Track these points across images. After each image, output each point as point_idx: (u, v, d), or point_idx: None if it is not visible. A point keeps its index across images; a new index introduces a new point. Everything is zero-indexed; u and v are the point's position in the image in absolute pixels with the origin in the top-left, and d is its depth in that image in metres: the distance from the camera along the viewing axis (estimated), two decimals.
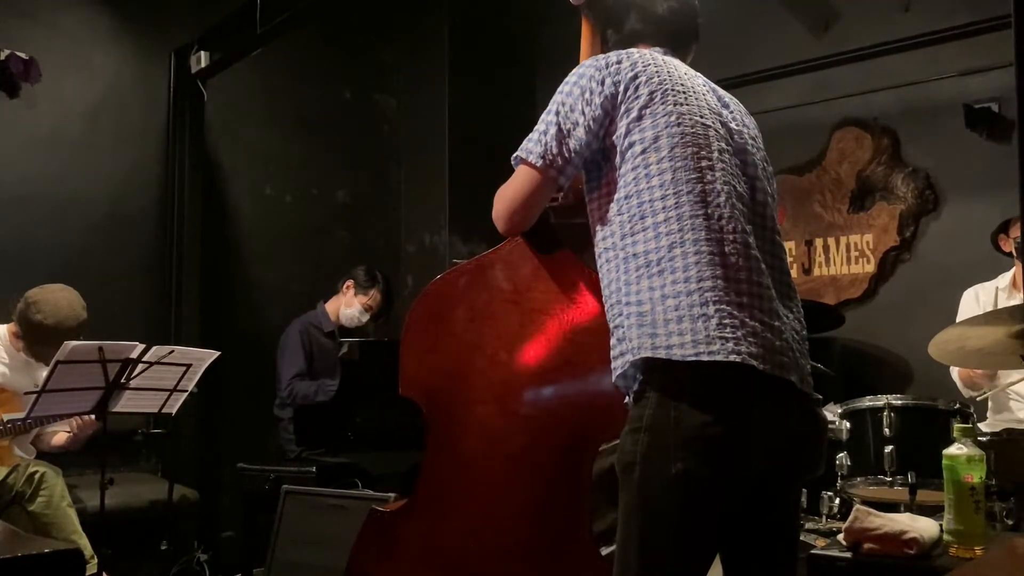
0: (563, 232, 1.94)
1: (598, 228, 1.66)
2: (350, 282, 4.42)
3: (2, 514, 3.09)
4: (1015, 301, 3.13)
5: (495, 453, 1.91)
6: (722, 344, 1.46)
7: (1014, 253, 3.24)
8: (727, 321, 1.48)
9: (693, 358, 1.46)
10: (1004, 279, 3.30)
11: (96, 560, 3.26)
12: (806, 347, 1.63)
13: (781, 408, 1.54)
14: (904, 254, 4.24)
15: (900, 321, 4.10)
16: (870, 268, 4.30)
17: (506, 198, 1.75)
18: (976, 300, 3.30)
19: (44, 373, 3.40)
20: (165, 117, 4.60)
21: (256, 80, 4.91)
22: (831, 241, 4.43)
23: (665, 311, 1.50)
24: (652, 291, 1.52)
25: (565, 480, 1.87)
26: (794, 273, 4.49)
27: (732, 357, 1.46)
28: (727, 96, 1.77)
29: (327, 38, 5.23)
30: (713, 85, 1.76)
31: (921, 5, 4.12)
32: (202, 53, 4.49)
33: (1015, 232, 3.23)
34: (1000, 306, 3.05)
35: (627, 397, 1.60)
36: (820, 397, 1.62)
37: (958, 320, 3.15)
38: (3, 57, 3.90)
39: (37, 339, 3.38)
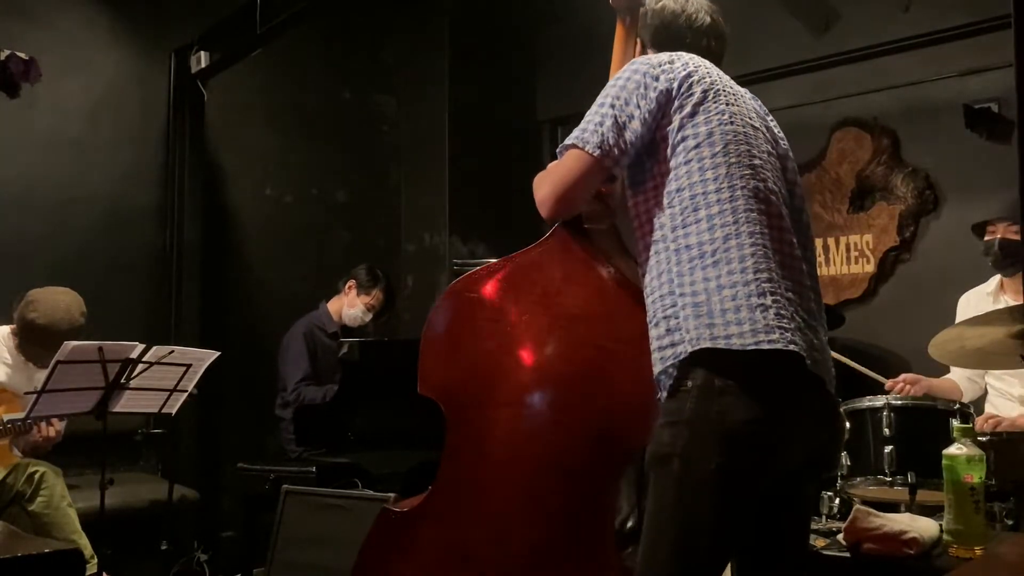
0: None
1: (646, 221, 1.67)
2: (352, 282, 4.42)
3: (2, 514, 3.09)
4: (1001, 306, 3.13)
5: (519, 456, 1.88)
6: (781, 333, 1.49)
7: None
8: (784, 312, 1.51)
9: (753, 346, 1.48)
10: (992, 283, 3.30)
11: (96, 560, 3.26)
12: (829, 351, 1.67)
13: (815, 406, 1.57)
14: (904, 254, 4.24)
15: (900, 321, 4.10)
16: (870, 268, 4.30)
17: (555, 182, 1.74)
18: (968, 305, 3.30)
19: (41, 373, 3.40)
20: (165, 117, 4.60)
21: (256, 80, 4.91)
22: (831, 241, 4.43)
23: (722, 301, 1.51)
24: (707, 281, 1.54)
25: (591, 484, 1.84)
26: None
27: (791, 347, 1.49)
28: (764, 106, 1.84)
29: (327, 38, 5.24)
30: (752, 95, 1.83)
31: (921, 5, 4.11)
32: (202, 53, 4.49)
33: (990, 234, 3.22)
34: (988, 308, 3.04)
35: (660, 392, 1.60)
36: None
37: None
38: (3, 57, 3.90)
39: (29, 338, 3.38)
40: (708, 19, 1.88)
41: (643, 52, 1.92)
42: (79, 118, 4.34)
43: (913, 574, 2.03)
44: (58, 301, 3.40)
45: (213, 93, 4.65)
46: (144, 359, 3.13)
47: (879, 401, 2.79)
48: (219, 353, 3.44)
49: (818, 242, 4.46)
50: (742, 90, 1.77)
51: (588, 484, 1.84)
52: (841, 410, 1.68)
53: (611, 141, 1.66)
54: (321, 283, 4.71)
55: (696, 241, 1.56)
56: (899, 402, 2.78)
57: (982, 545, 2.02)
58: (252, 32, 4.18)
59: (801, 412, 1.53)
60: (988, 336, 2.38)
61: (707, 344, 1.50)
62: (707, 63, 1.74)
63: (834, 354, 3.44)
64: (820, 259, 4.45)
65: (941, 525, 2.09)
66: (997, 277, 3.30)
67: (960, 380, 3.29)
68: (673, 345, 1.56)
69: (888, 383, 3.21)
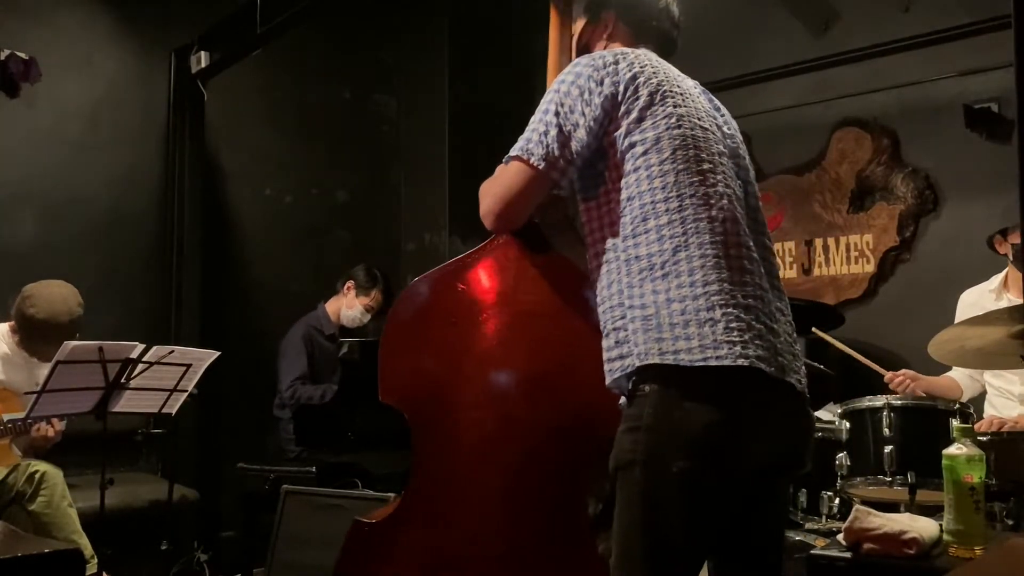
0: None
1: (596, 229, 1.64)
2: (351, 283, 4.42)
3: (2, 514, 3.09)
4: (1003, 303, 3.14)
5: (487, 459, 1.86)
6: (729, 348, 1.46)
7: (1009, 256, 3.24)
8: (734, 325, 1.48)
9: (701, 363, 1.46)
10: (994, 281, 3.31)
11: (96, 560, 3.26)
12: (797, 347, 1.64)
13: (780, 408, 1.55)
14: (904, 254, 4.24)
15: (900, 321, 4.10)
16: (870, 268, 4.30)
17: (499, 196, 1.70)
18: (970, 303, 3.31)
19: (42, 371, 3.40)
20: (165, 117, 4.60)
21: (256, 80, 4.91)
22: (831, 241, 4.43)
23: (671, 315, 1.49)
24: (656, 294, 1.51)
25: (563, 483, 1.83)
26: (794, 273, 4.52)
27: (740, 361, 1.46)
28: (715, 99, 1.79)
29: (327, 38, 5.24)
30: (702, 88, 1.77)
31: (921, 5, 4.12)
32: (202, 53, 4.49)
33: (1014, 238, 3.23)
34: (990, 308, 3.05)
35: (621, 397, 1.59)
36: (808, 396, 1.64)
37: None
38: (3, 57, 3.91)
39: (30, 333, 3.38)
40: (675, 9, 1.86)
41: (587, 41, 1.86)
42: (79, 118, 4.34)
43: (913, 574, 2.03)
44: (55, 294, 3.40)
45: (213, 93, 4.65)
46: (144, 359, 3.13)
47: (879, 401, 2.79)
48: (219, 353, 3.43)
49: (818, 242, 4.47)
50: (691, 84, 1.72)
51: (561, 478, 1.82)
52: (810, 408, 1.63)
53: (556, 152, 1.62)
54: (321, 283, 4.70)
55: (646, 252, 1.54)
56: (899, 402, 2.78)
57: (982, 545, 2.02)
58: (252, 32, 4.18)
59: (761, 416, 1.51)
60: (988, 336, 2.38)
61: (655, 360, 1.49)
62: (653, 60, 1.68)
63: (837, 343, 3.49)
64: (820, 259, 4.46)
65: (941, 525, 2.09)
66: (1000, 275, 3.31)
67: (961, 378, 3.30)
68: (622, 358, 1.55)
69: (888, 375, 3.22)
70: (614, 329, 1.57)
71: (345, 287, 4.43)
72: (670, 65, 1.73)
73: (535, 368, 1.86)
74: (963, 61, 3.95)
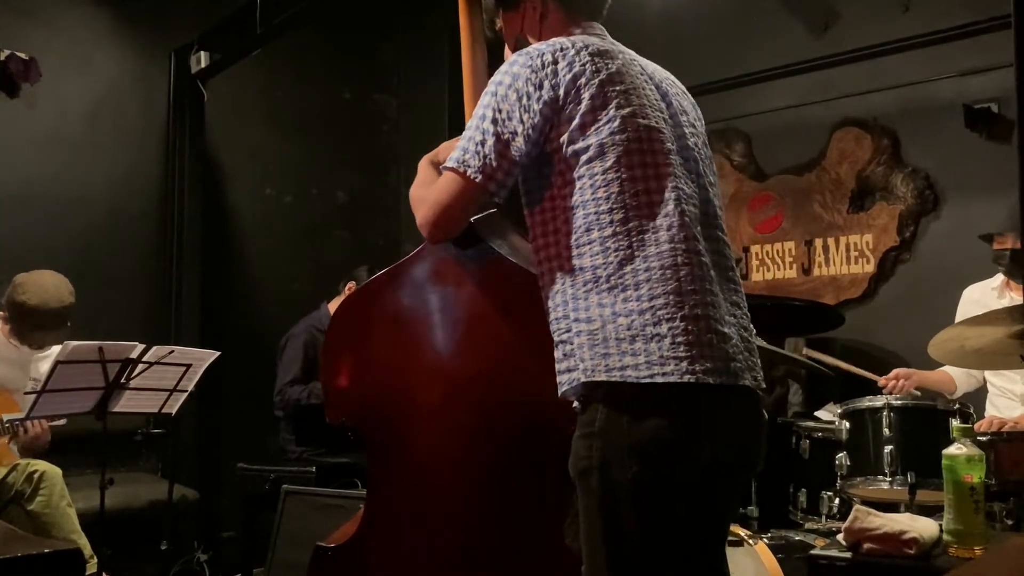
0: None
1: (540, 235, 1.59)
2: (352, 284, 4.42)
3: (2, 514, 3.09)
4: (1006, 301, 3.14)
5: (443, 465, 1.83)
6: (676, 364, 1.44)
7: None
8: (680, 339, 1.45)
9: (648, 380, 1.44)
10: (997, 279, 3.31)
11: (96, 560, 3.25)
12: (754, 342, 1.60)
13: (731, 411, 1.52)
14: (904, 254, 4.24)
15: (900, 321, 4.10)
16: (870, 268, 4.30)
17: (436, 205, 1.62)
18: (973, 300, 3.31)
19: (34, 364, 3.41)
20: (165, 117, 4.60)
21: (256, 80, 4.92)
22: (831, 241, 4.43)
23: (617, 330, 1.47)
24: (602, 308, 1.48)
25: (524, 481, 1.80)
26: (794, 273, 4.52)
27: (687, 378, 1.44)
28: (660, 73, 1.69)
29: (327, 38, 5.24)
30: (644, 62, 1.67)
31: (921, 5, 4.12)
32: (202, 53, 4.49)
33: (1001, 243, 3.26)
34: (992, 306, 3.06)
35: (574, 401, 1.57)
36: (765, 388, 1.60)
37: (957, 319, 3.15)
38: (3, 57, 3.91)
39: (22, 321, 3.38)
40: None
41: (519, 33, 1.77)
42: (79, 118, 4.34)
43: (913, 574, 2.03)
44: (46, 281, 3.41)
45: (213, 93, 4.65)
46: (144, 359, 3.13)
47: (879, 401, 2.79)
48: (219, 353, 3.43)
49: (818, 242, 4.46)
50: (640, 67, 1.62)
51: (522, 480, 1.79)
52: (762, 407, 1.61)
53: (494, 163, 1.55)
54: (321, 283, 4.70)
55: (590, 264, 1.50)
56: (899, 402, 2.79)
57: (982, 545, 2.02)
58: (252, 32, 4.18)
59: (714, 415, 1.49)
60: (988, 336, 2.38)
61: (603, 377, 1.47)
62: (594, 46, 1.58)
63: (829, 359, 3.51)
64: (820, 259, 4.46)
65: (941, 525, 2.09)
66: (1002, 273, 3.31)
67: (956, 373, 3.30)
68: (569, 371, 1.53)
69: (881, 380, 3.22)
70: (561, 342, 1.55)
71: (347, 287, 4.43)
72: (613, 44, 1.65)
73: (481, 367, 1.82)
74: (963, 61, 3.95)
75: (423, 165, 1.80)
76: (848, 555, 2.09)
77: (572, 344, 1.52)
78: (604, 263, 1.49)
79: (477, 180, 1.56)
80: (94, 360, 3.01)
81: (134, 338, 3.27)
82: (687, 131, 1.64)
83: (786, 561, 2.49)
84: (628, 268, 1.48)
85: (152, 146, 4.57)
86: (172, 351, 3.24)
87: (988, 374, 3.26)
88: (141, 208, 4.53)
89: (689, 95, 1.74)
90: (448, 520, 1.83)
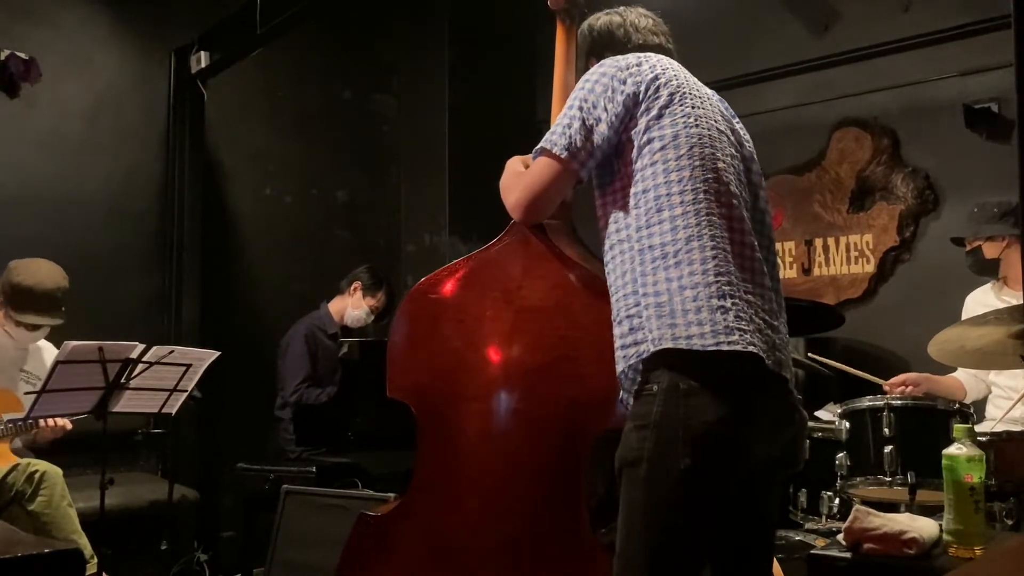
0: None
1: (611, 221, 1.71)
2: (357, 284, 4.42)
3: (2, 514, 3.09)
4: (1006, 297, 3.15)
5: (490, 450, 1.91)
6: (740, 335, 1.52)
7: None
8: (743, 314, 1.54)
9: (713, 347, 1.51)
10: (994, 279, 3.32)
11: (96, 560, 3.25)
12: (790, 348, 1.70)
13: (777, 404, 1.60)
14: (904, 254, 4.24)
15: (900, 321, 4.10)
16: (870, 268, 4.29)
17: (526, 187, 1.78)
18: (976, 300, 3.32)
19: (26, 354, 3.42)
20: (165, 117, 4.61)
21: (256, 80, 4.92)
22: (831, 241, 4.43)
23: (683, 302, 1.54)
24: (670, 282, 1.57)
25: (562, 474, 1.87)
26: (794, 273, 4.52)
27: (750, 348, 1.52)
28: (730, 108, 1.85)
29: (327, 38, 5.24)
30: (719, 97, 1.84)
31: (921, 5, 4.11)
32: (202, 53, 4.49)
33: (970, 246, 3.34)
34: (993, 303, 3.06)
35: (623, 392, 1.64)
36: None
37: None
38: (3, 57, 3.91)
39: (17, 302, 3.38)
40: (649, 20, 1.93)
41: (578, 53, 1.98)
42: (79, 118, 4.34)
43: (913, 574, 2.03)
44: (40, 266, 3.45)
45: (213, 93, 4.65)
46: (144, 359, 3.14)
47: (879, 401, 2.79)
48: (219, 353, 3.44)
49: (818, 242, 4.46)
50: (708, 91, 1.79)
51: (562, 472, 1.86)
52: (800, 407, 1.68)
53: (579, 143, 1.69)
54: (321, 283, 4.70)
55: (659, 242, 1.60)
56: (899, 402, 2.78)
57: (982, 545, 2.02)
58: (252, 32, 4.18)
59: (764, 411, 1.56)
60: (988, 336, 2.38)
61: (669, 344, 1.53)
62: (675, 65, 1.77)
63: (830, 362, 3.51)
64: (820, 259, 4.46)
65: (941, 525, 2.09)
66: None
67: (965, 379, 3.30)
68: (636, 344, 1.59)
69: (886, 384, 3.22)
70: (627, 316, 1.62)
71: (352, 287, 4.43)
72: (688, 72, 1.80)
73: (536, 362, 1.90)
74: (963, 61, 3.94)
75: (511, 161, 1.94)
76: (848, 555, 2.09)
77: (640, 317, 1.59)
78: (673, 240, 1.59)
79: (563, 156, 1.70)
80: (94, 360, 3.01)
81: (134, 338, 3.26)
82: (752, 157, 1.80)
83: (786, 561, 2.49)
84: (695, 244, 1.58)
85: (152, 146, 4.57)
86: (172, 351, 3.24)
87: (992, 375, 3.26)
88: (141, 208, 4.53)
89: (746, 131, 1.87)
90: (486, 502, 1.91)
